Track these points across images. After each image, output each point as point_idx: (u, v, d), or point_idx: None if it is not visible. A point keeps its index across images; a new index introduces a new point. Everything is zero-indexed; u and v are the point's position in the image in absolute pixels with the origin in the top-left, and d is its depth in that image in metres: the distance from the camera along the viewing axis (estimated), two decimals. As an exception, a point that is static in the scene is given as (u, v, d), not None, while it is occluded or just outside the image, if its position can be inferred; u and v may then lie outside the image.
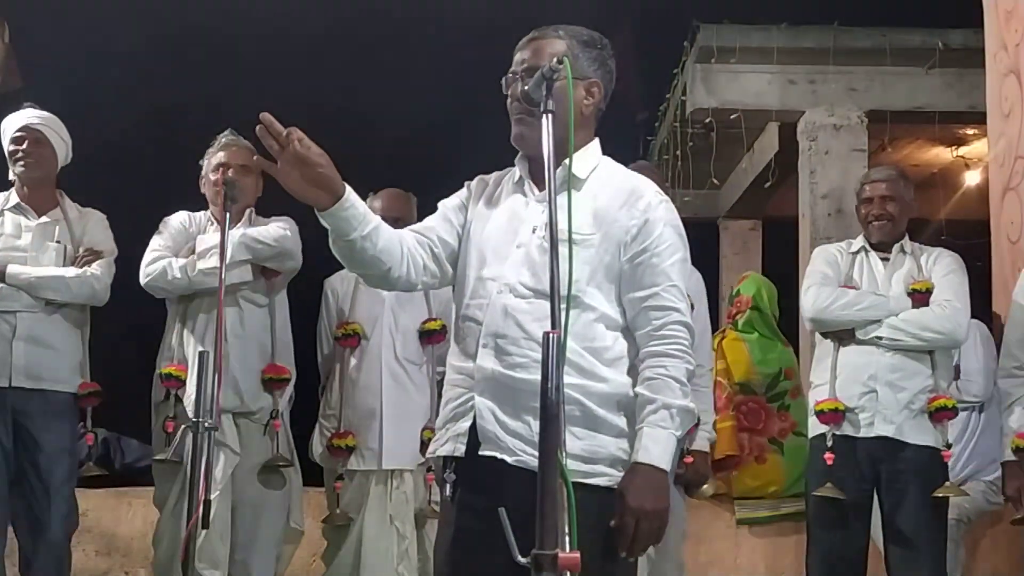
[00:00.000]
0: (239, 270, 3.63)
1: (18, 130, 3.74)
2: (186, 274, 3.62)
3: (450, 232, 2.30)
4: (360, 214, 2.10)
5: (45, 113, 3.80)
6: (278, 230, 3.72)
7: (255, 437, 3.69)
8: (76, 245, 3.75)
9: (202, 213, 3.85)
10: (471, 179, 2.39)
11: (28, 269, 3.64)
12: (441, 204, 2.36)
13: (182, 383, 3.64)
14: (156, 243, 3.73)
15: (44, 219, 3.77)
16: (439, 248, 2.28)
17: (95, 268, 3.70)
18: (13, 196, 3.80)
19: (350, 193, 2.07)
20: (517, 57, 2.24)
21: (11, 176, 3.80)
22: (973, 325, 4.50)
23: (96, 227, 3.83)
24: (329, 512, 3.85)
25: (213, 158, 3.79)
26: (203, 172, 3.83)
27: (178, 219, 3.81)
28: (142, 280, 3.68)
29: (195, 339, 3.66)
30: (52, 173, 3.82)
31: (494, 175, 2.36)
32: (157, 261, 3.65)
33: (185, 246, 3.73)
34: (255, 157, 2.04)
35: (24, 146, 3.73)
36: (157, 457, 3.68)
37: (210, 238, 3.67)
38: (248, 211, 3.81)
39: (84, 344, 3.76)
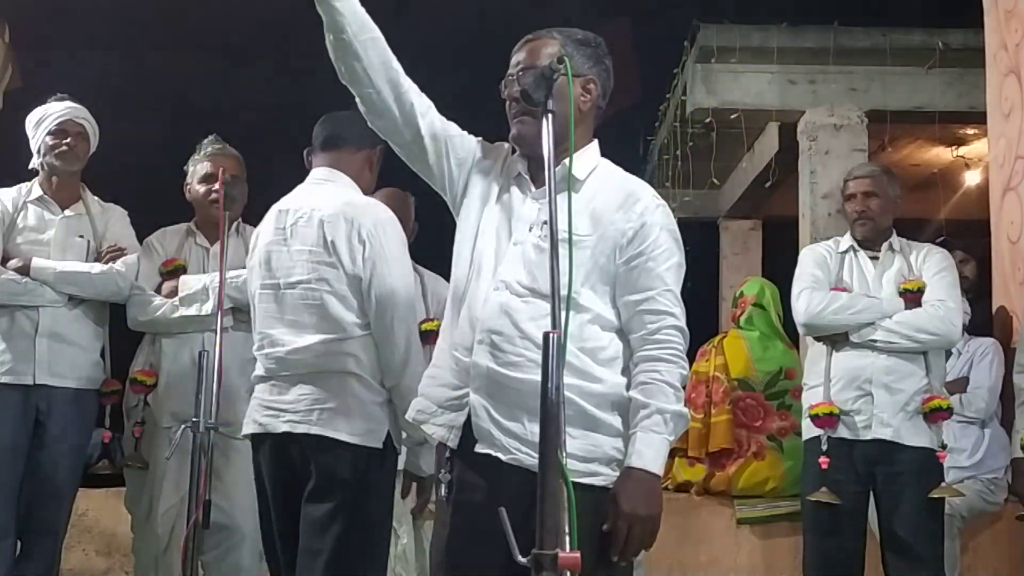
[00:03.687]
0: (223, 319, 3.51)
1: (61, 122, 3.72)
2: (166, 317, 3.63)
3: (455, 148, 2.28)
4: (360, 17, 2.12)
5: (80, 106, 3.79)
6: None
7: (240, 453, 3.64)
8: (99, 240, 3.74)
9: (184, 226, 3.82)
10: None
11: (53, 263, 3.62)
12: (464, 132, 2.32)
13: (149, 388, 3.64)
14: (142, 282, 3.72)
15: (68, 213, 3.75)
16: (442, 137, 2.26)
17: (119, 265, 3.68)
18: (36, 188, 3.77)
19: None
20: (513, 60, 2.25)
21: (33, 166, 3.78)
22: (992, 344, 4.53)
23: (119, 223, 3.83)
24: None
25: (199, 166, 3.76)
26: (188, 180, 3.80)
27: (157, 242, 3.80)
28: (136, 319, 3.68)
29: (168, 347, 3.65)
30: (82, 167, 3.82)
31: (500, 156, 2.33)
32: (143, 299, 3.67)
33: (161, 281, 3.71)
34: None
35: (68, 139, 3.71)
36: (127, 463, 3.68)
37: (194, 281, 3.64)
38: (235, 223, 3.76)
39: (104, 341, 3.76)
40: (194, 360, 3.40)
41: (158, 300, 3.66)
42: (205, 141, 3.82)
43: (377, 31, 2.14)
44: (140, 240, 3.83)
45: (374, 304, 2.74)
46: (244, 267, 3.69)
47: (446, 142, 2.27)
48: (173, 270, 3.72)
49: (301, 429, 2.71)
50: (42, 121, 3.75)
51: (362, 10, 2.12)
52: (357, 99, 2.22)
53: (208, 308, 3.54)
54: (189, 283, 3.65)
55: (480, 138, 2.35)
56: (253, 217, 3.86)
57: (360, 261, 2.73)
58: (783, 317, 5.07)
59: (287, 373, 2.79)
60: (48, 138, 3.72)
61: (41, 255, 3.63)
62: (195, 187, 3.77)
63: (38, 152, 3.75)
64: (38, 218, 3.73)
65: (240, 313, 3.69)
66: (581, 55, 2.22)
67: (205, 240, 3.78)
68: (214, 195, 3.62)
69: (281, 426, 2.74)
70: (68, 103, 3.77)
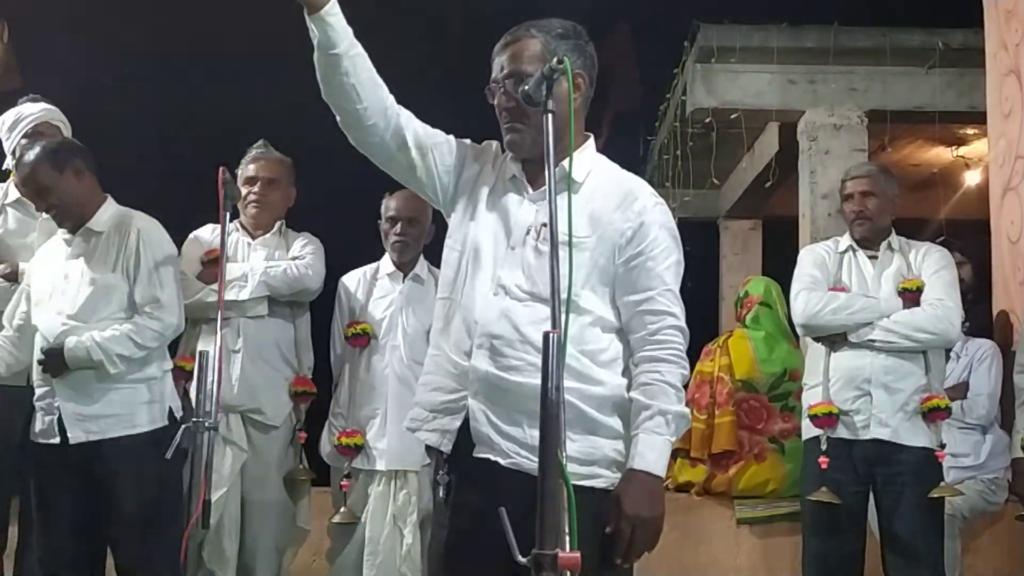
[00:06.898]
0: (257, 305, 3.69)
1: (36, 124, 3.73)
2: (203, 301, 3.66)
3: (441, 155, 2.26)
4: (350, 33, 2.09)
5: (53, 106, 3.79)
6: (301, 269, 3.75)
7: (271, 442, 3.71)
8: None
9: (232, 225, 3.83)
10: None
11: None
12: (449, 137, 2.30)
13: (189, 375, 3.65)
14: (185, 269, 3.72)
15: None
16: (428, 145, 2.24)
17: None
18: (12, 191, 3.77)
19: (336, 3, 2.07)
20: (496, 63, 2.23)
21: (8, 167, 3.78)
22: (991, 347, 4.52)
23: None
24: (334, 511, 3.85)
25: (243, 169, 3.85)
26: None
27: (204, 233, 3.86)
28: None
29: (208, 333, 3.67)
30: None
31: (490, 156, 2.31)
32: (185, 283, 3.66)
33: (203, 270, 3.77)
34: None
35: (44, 141, 3.67)
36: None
37: (236, 268, 3.71)
38: (279, 224, 3.87)
39: None
40: (232, 346, 3.62)
41: (198, 285, 3.72)
42: (253, 146, 3.91)
43: (361, 48, 2.13)
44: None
45: None
46: (282, 261, 3.81)
47: (432, 149, 2.25)
48: (215, 259, 3.75)
49: None
50: (17, 123, 3.75)
51: (349, 27, 2.10)
52: (340, 117, 2.19)
53: (246, 294, 3.65)
54: (231, 270, 3.69)
55: (467, 140, 2.33)
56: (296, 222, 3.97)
57: None
58: (788, 316, 5.06)
59: None
60: (24, 141, 3.71)
61: (24, 258, 3.63)
62: (239, 190, 3.82)
63: (12, 154, 3.75)
64: (18, 221, 3.74)
65: (275, 301, 3.76)
66: (564, 49, 2.17)
67: (247, 236, 3.87)
68: (251, 196, 3.79)
69: None
70: (43, 104, 3.78)
